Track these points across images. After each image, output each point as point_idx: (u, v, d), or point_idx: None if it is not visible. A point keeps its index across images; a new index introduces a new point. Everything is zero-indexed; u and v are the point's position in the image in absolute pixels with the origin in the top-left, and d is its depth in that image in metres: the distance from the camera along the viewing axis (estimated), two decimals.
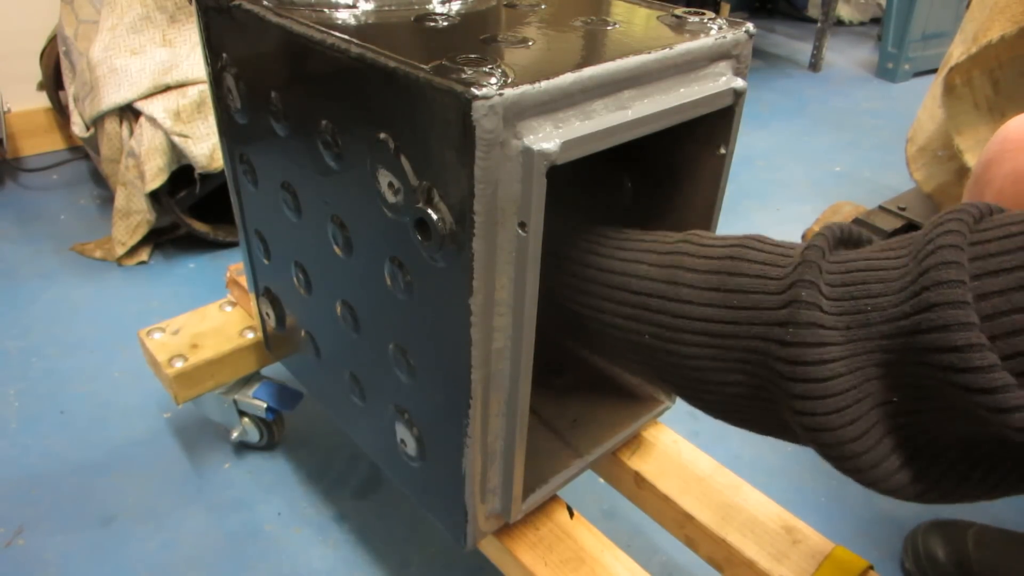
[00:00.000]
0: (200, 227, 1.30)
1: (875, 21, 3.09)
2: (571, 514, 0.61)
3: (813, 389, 0.35)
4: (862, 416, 0.35)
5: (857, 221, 1.14)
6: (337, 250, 0.54)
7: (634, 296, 0.47)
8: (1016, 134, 0.54)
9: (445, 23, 0.49)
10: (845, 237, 0.39)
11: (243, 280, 0.80)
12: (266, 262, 0.69)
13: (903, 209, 1.12)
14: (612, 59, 0.43)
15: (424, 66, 0.39)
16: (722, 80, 0.50)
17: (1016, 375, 0.29)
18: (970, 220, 0.33)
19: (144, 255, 1.30)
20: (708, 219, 0.56)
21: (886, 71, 2.47)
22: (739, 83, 0.50)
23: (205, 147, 1.19)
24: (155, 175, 1.19)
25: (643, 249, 0.48)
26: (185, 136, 1.18)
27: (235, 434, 0.89)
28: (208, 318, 0.84)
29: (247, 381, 0.87)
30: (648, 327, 0.46)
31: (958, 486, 0.35)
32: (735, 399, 0.42)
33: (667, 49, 0.46)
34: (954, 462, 0.35)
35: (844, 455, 0.35)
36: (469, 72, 0.39)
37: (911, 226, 1.11)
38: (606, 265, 0.50)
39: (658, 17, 0.53)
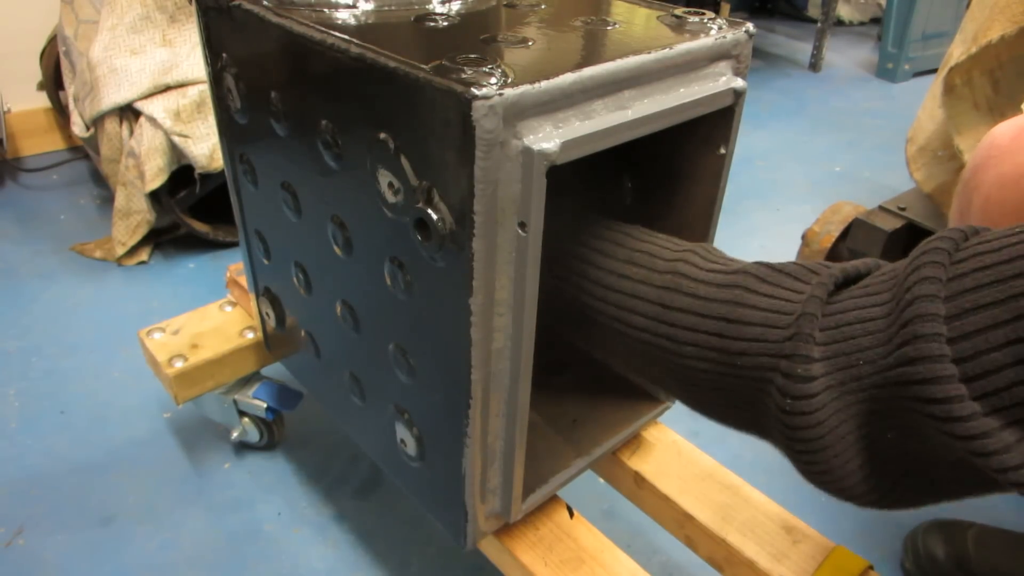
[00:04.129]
0: (200, 227, 1.30)
1: (875, 21, 3.09)
2: (571, 514, 0.61)
3: (811, 446, 0.37)
4: (856, 455, 0.37)
5: (857, 221, 1.14)
6: (337, 250, 0.54)
7: (629, 315, 0.48)
8: (1002, 140, 0.54)
9: (445, 23, 0.49)
10: (839, 284, 0.40)
11: (243, 280, 0.80)
12: (266, 262, 0.69)
13: (903, 209, 1.12)
14: (612, 59, 0.43)
15: (424, 66, 0.39)
16: (722, 80, 0.50)
17: (997, 411, 0.30)
18: (945, 259, 0.34)
19: (144, 255, 1.30)
20: (708, 219, 0.56)
21: (886, 71, 2.47)
22: (739, 83, 0.50)
23: (205, 147, 1.19)
24: (155, 175, 1.19)
25: (637, 279, 0.48)
26: (185, 136, 1.18)
27: (235, 434, 0.89)
28: (208, 318, 0.84)
29: (247, 381, 0.87)
30: (645, 347, 0.47)
31: (938, 499, 0.38)
32: (726, 409, 0.44)
33: (667, 49, 0.46)
34: (934, 483, 0.38)
35: (840, 488, 0.39)
36: (469, 72, 0.39)
37: (911, 226, 1.11)
38: (601, 279, 0.50)
39: (658, 17, 0.53)
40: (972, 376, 0.31)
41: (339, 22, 0.48)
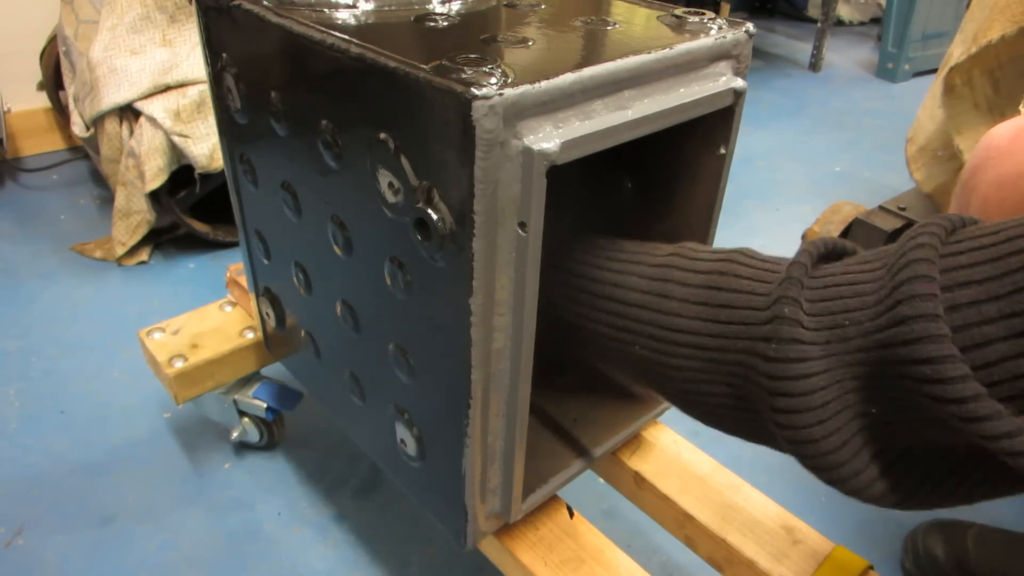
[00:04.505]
0: (200, 227, 1.30)
1: (875, 21, 3.09)
2: (571, 514, 0.61)
3: (794, 403, 0.36)
4: (842, 427, 0.35)
5: (857, 221, 1.14)
6: (337, 250, 0.54)
7: (624, 307, 0.48)
8: (1000, 141, 0.54)
9: (445, 23, 0.49)
10: (829, 251, 0.40)
11: (243, 280, 0.80)
12: (266, 262, 0.69)
13: (903, 209, 1.12)
14: (612, 59, 0.43)
15: (424, 66, 0.39)
16: (722, 80, 0.50)
17: (987, 385, 0.29)
18: (942, 233, 0.33)
19: (144, 255, 1.30)
20: (708, 219, 0.56)
21: (886, 71, 2.47)
22: (739, 83, 0.50)
23: (205, 147, 1.19)
24: (155, 175, 1.19)
25: (634, 261, 0.49)
26: (185, 136, 1.18)
27: (235, 434, 0.89)
28: (208, 318, 0.84)
29: (247, 381, 0.87)
30: (638, 338, 0.46)
31: (933, 492, 0.36)
32: (722, 409, 0.43)
33: (667, 49, 0.46)
34: (930, 469, 0.36)
35: (825, 466, 0.36)
36: (469, 72, 0.39)
37: (911, 226, 1.10)
38: (598, 275, 0.50)
39: (658, 17, 0.53)
40: (962, 348, 0.30)
41: (339, 22, 0.48)
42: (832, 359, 0.35)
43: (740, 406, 0.41)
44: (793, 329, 0.36)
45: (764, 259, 0.43)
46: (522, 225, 0.41)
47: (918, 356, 0.31)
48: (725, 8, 2.47)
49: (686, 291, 0.44)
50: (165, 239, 1.35)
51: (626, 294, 0.47)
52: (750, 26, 0.51)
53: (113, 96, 1.18)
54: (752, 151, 1.86)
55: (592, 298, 0.50)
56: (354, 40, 0.44)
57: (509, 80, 0.38)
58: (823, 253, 0.39)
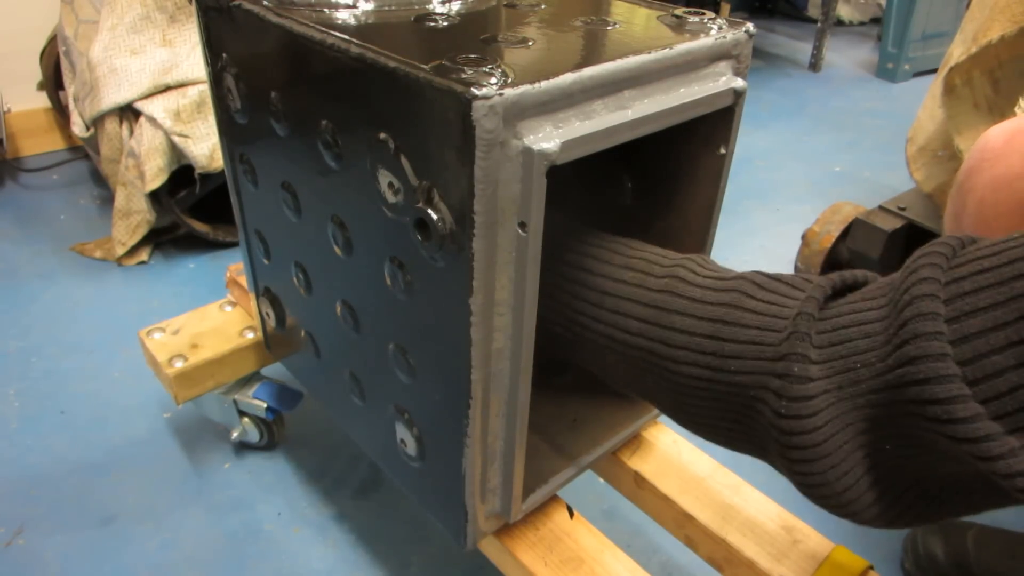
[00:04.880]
0: (200, 227, 1.30)
1: (875, 21, 3.09)
2: (571, 514, 0.61)
3: (806, 444, 0.36)
4: (855, 467, 0.36)
5: (857, 221, 1.14)
6: (337, 250, 0.54)
7: (625, 335, 0.47)
8: (995, 143, 0.54)
9: (445, 23, 0.49)
10: (837, 291, 0.40)
11: (243, 280, 0.80)
12: (266, 262, 0.69)
13: (903, 209, 1.12)
14: (612, 59, 0.43)
15: (424, 66, 0.39)
16: (722, 80, 0.50)
17: (999, 416, 0.29)
18: (943, 262, 0.33)
19: (144, 255, 1.30)
20: (708, 219, 0.56)
21: (886, 71, 2.47)
22: (739, 83, 0.50)
23: (205, 147, 1.19)
24: (155, 175, 1.19)
25: (634, 283, 0.48)
26: (185, 136, 1.18)
27: (235, 434, 0.89)
28: (208, 318, 0.84)
29: (247, 381, 0.87)
30: (636, 359, 0.46)
31: (942, 513, 0.37)
32: (717, 425, 0.44)
33: (667, 49, 0.46)
34: (937, 497, 0.36)
35: (838, 504, 0.37)
36: (469, 72, 0.39)
37: (911, 226, 1.11)
38: (598, 284, 0.50)
39: (658, 17, 0.53)
40: (973, 380, 0.30)
41: (339, 22, 0.48)
42: (844, 403, 0.35)
43: (739, 429, 0.42)
44: (804, 367, 0.36)
45: (771, 291, 0.42)
46: (522, 225, 0.41)
47: (928, 397, 0.31)
48: (725, 8, 2.47)
49: (691, 322, 0.43)
50: (165, 239, 1.35)
51: (626, 322, 0.47)
52: (750, 26, 0.51)
53: (113, 96, 1.18)
54: (752, 151, 1.86)
55: (590, 307, 0.50)
56: (354, 40, 0.44)
57: (509, 80, 0.38)
58: (836, 290, 0.39)
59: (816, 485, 0.36)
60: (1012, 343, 0.29)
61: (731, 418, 0.42)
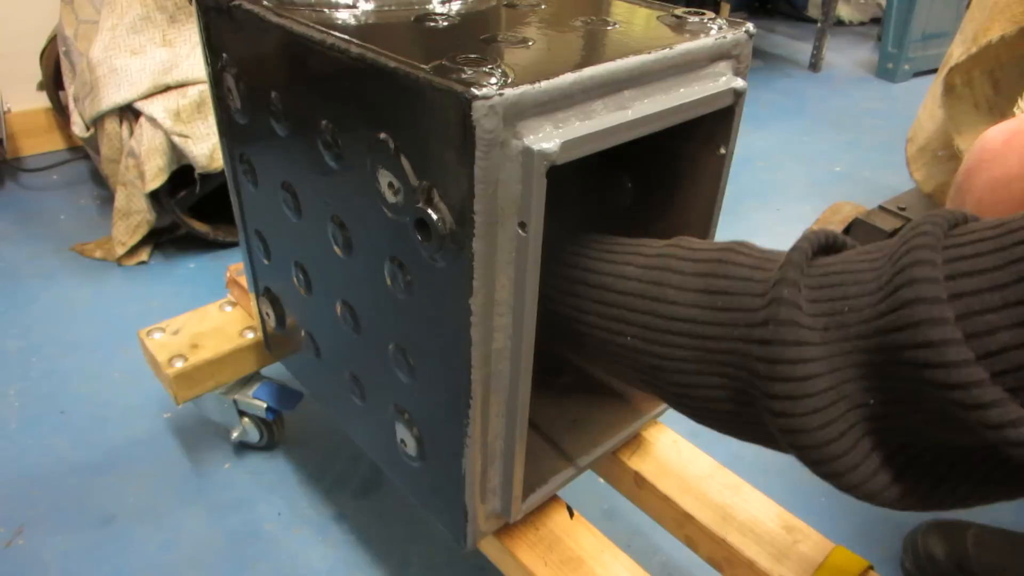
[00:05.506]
0: (200, 227, 1.30)
1: (875, 21, 3.09)
2: (571, 514, 0.61)
3: (791, 389, 0.35)
4: (840, 417, 0.35)
5: (857, 221, 1.14)
6: (337, 250, 0.54)
7: (620, 296, 0.47)
8: (993, 143, 0.54)
9: (445, 23, 0.49)
10: (829, 244, 0.40)
11: (243, 280, 0.80)
12: (266, 262, 0.69)
13: (903, 209, 1.12)
14: (612, 59, 0.43)
15: (424, 66, 0.39)
16: (722, 80, 0.50)
17: (990, 376, 0.29)
18: (944, 225, 0.33)
19: (144, 255, 1.30)
20: (708, 219, 0.56)
21: (886, 71, 2.47)
22: (739, 83, 0.50)
23: (205, 147, 1.19)
24: (155, 175, 1.19)
25: (631, 252, 0.49)
26: (185, 136, 1.18)
27: (235, 434, 0.89)
28: (208, 318, 0.84)
29: (247, 381, 0.87)
30: (632, 328, 0.46)
31: (932, 490, 0.35)
32: (715, 403, 0.42)
33: (667, 49, 0.46)
34: (929, 467, 0.35)
35: (822, 458, 0.35)
36: (469, 72, 0.39)
37: None
38: (593, 266, 0.50)
39: (658, 17, 0.53)
40: (965, 336, 0.29)
41: (339, 22, 0.48)
42: (831, 346, 0.34)
43: (734, 399, 0.40)
44: (791, 311, 0.35)
45: (763, 250, 0.43)
46: (522, 225, 0.41)
47: (919, 340, 0.30)
48: (725, 8, 2.47)
49: (683, 279, 0.43)
50: (165, 239, 1.35)
51: (622, 283, 0.47)
52: (750, 26, 0.51)
53: (113, 96, 1.18)
54: (752, 151, 1.86)
55: (586, 288, 0.50)
56: (354, 40, 0.44)
57: (509, 80, 0.38)
58: (823, 244, 0.39)
59: (798, 431, 0.35)
60: (1008, 304, 0.29)
61: (723, 383, 0.40)
